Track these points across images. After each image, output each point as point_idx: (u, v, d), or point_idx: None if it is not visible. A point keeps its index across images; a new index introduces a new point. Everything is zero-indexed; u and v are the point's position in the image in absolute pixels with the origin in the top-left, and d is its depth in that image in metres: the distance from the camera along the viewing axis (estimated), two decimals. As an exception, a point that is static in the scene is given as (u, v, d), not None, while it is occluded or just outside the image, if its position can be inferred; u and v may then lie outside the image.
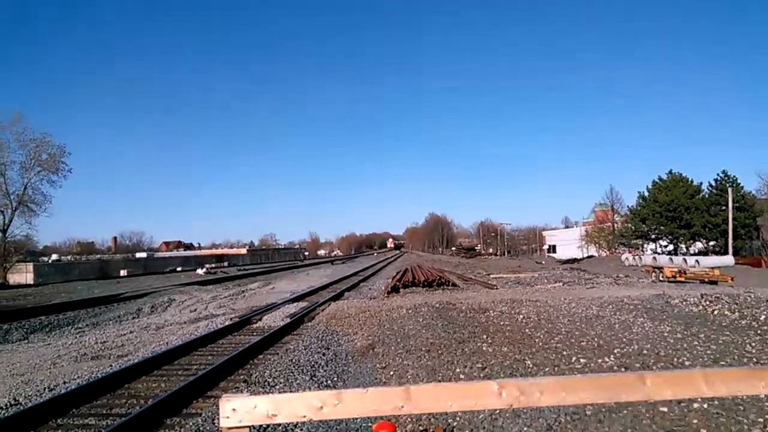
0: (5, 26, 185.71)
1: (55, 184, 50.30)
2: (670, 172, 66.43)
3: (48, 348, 12.86)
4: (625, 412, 5.58)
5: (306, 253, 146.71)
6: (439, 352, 9.60)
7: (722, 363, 7.85)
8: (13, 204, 47.45)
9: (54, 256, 79.78)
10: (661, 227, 64.91)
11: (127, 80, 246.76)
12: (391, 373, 8.80)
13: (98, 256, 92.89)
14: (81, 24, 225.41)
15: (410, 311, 14.98)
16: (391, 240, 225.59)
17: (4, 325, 16.66)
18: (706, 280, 26.34)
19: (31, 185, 48.80)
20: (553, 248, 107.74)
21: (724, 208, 57.68)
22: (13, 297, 29.13)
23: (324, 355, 10.59)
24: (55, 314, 19.22)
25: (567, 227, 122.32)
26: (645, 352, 8.71)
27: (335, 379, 8.87)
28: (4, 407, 7.57)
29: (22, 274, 46.55)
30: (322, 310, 17.30)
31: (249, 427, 2.24)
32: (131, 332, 14.84)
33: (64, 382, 8.95)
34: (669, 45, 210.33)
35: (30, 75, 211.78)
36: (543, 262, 65.32)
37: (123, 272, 54.02)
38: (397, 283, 25.85)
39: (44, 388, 8.57)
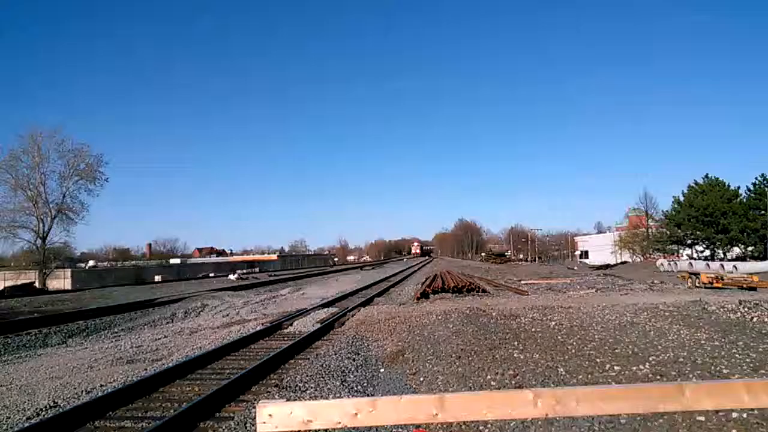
0: (46, 40, 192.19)
1: (93, 192, 51.81)
2: (707, 176, 64.91)
3: (85, 352, 13.18)
4: (661, 420, 5.46)
5: (335, 259, 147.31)
6: (470, 358, 9.53)
7: (762, 372, 7.63)
8: (52, 212, 48.96)
9: (91, 263, 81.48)
10: (698, 232, 63.35)
11: (162, 88, 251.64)
12: (422, 379, 8.77)
13: (133, 262, 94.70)
14: (116, 34, 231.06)
15: (440, 317, 14.91)
16: (416, 245, 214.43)
17: (44, 329, 17.12)
18: (745, 286, 25.52)
19: (70, 194, 50.36)
20: (585, 254, 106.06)
21: (762, 212, 56.08)
22: (52, 302, 29.92)
23: (354, 360, 10.61)
24: (92, 319, 19.66)
25: (600, 232, 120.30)
26: (681, 359, 8.52)
27: (365, 384, 8.88)
28: (44, 409, 7.78)
29: (61, 280, 47.87)
30: (352, 316, 17.36)
31: (284, 432, 2.26)
32: (165, 336, 15.12)
33: (101, 385, 9.17)
34: (704, 44, 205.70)
35: (65, 83, 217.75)
36: (575, 268, 64.38)
37: (157, 278, 55.08)
38: (427, 289, 25.78)
39: (82, 391, 8.79)
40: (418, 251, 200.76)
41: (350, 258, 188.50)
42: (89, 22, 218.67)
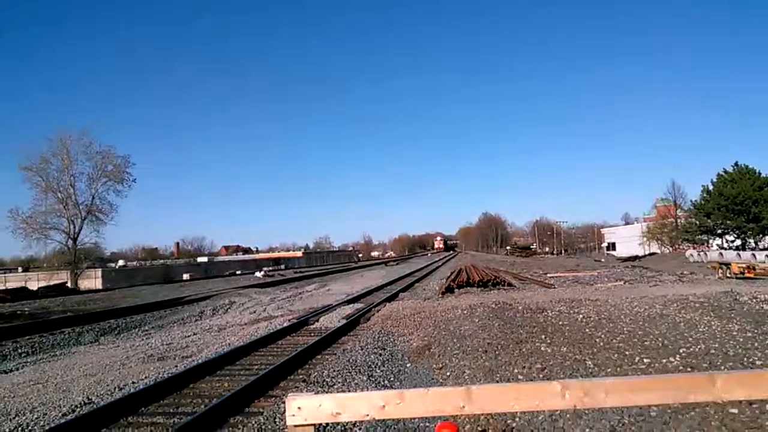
0: (69, 42, 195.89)
1: (121, 193, 52.91)
2: (736, 164, 63.28)
3: (117, 350, 13.46)
4: (693, 413, 5.38)
5: (360, 255, 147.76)
6: (497, 352, 9.50)
7: (798, 363, 7.46)
8: (82, 213, 50.06)
9: (120, 262, 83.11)
10: (728, 222, 61.92)
11: (185, 89, 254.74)
12: (448, 373, 8.76)
13: (162, 261, 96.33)
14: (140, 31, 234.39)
15: (465, 311, 14.87)
16: (439, 239, 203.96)
17: (77, 327, 17.51)
18: (778, 276, 24.93)
19: (98, 195, 51.45)
20: (612, 246, 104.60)
21: (795, 199, 54.56)
22: (84, 302, 30.57)
23: (380, 355, 10.65)
24: (123, 317, 20.05)
25: (627, 224, 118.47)
26: (712, 351, 8.37)
27: (392, 378, 8.91)
28: (79, 405, 7.97)
29: (92, 280, 48.94)
30: (378, 311, 17.41)
31: (314, 425, 2.29)
32: (195, 334, 15.36)
33: (133, 382, 9.36)
34: (729, 31, 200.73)
35: (95, 86, 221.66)
36: (602, 260, 63.48)
37: (185, 276, 55.94)
38: (452, 284, 25.70)
39: (115, 388, 8.98)
40: (441, 246, 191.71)
41: (374, 254, 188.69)
42: (89, 22, 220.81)
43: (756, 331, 9.86)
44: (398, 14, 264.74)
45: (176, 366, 10.62)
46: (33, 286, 44.17)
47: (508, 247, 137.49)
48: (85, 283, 47.94)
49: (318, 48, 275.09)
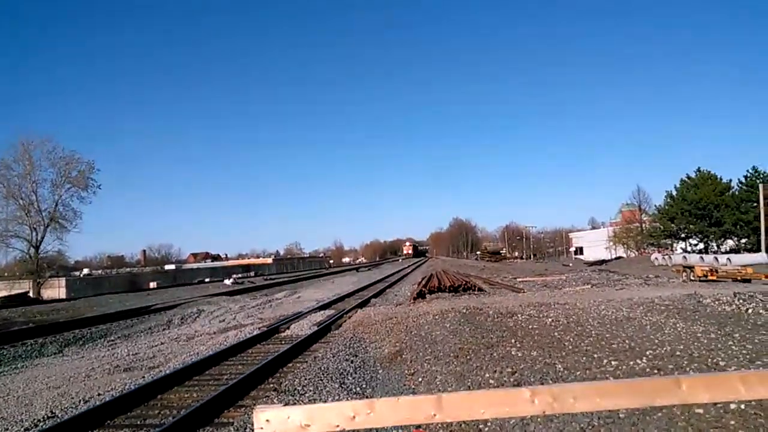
0: (35, 41, 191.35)
1: (85, 200, 51.47)
2: (698, 170, 65.19)
3: (82, 361, 13.12)
4: (660, 414, 5.48)
5: (331, 261, 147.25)
6: (468, 357, 9.55)
7: (758, 363, 7.67)
8: (45, 220, 48.64)
9: (85, 271, 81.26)
10: (691, 226, 63.69)
11: (150, 91, 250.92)
12: (420, 379, 8.76)
13: (128, 269, 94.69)
14: (101, 35, 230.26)
15: (437, 317, 14.92)
16: (408, 245, 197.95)
17: (39, 339, 17.00)
18: (739, 278, 25.66)
19: (62, 202, 50.01)
20: (580, 250, 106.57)
21: (755, 204, 56.32)
22: (47, 311, 29.74)
23: (352, 362, 10.60)
24: (88, 327, 19.56)
25: (594, 228, 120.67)
26: (678, 353, 8.55)
27: (364, 386, 8.87)
28: (42, 419, 7.74)
29: (55, 289, 47.61)
30: (349, 318, 17.35)
31: (283, 437, 2.25)
32: (162, 343, 15.07)
33: (99, 394, 9.12)
34: (693, 39, 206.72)
35: (54, 88, 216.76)
36: (570, 265, 64.59)
37: (152, 284, 54.85)
38: (423, 289, 25.79)
39: (80, 401, 8.74)
40: (410, 251, 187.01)
41: (346, 259, 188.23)
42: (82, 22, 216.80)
43: (719, 332, 10.12)
44: (359, 15, 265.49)
45: (143, 377, 10.39)
46: (-7, 296, 42.78)
47: (478, 252, 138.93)
48: (48, 293, 46.61)
49: (299, 51, 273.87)
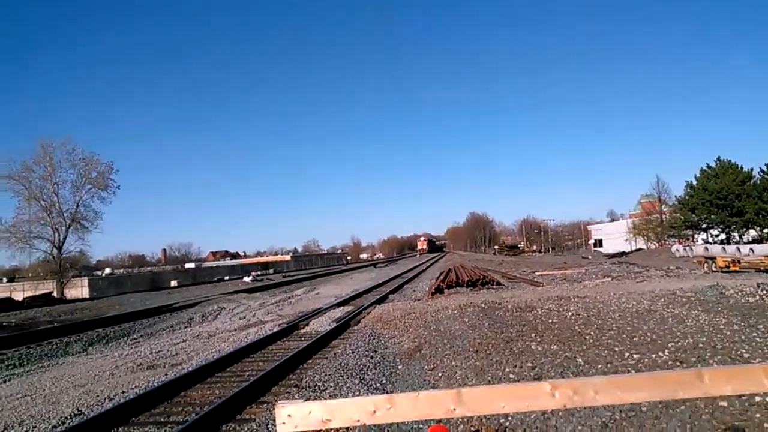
0: (55, 45, 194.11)
1: (105, 200, 52.55)
2: (719, 159, 64.01)
3: (106, 359, 13.33)
4: (683, 407, 5.43)
5: (348, 258, 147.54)
6: (487, 352, 9.53)
7: (784, 355, 7.56)
8: (66, 221, 49.53)
9: (107, 270, 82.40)
10: (712, 216, 62.60)
11: (169, 93, 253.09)
12: (440, 374, 8.76)
13: (149, 268, 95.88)
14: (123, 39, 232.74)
15: (456, 312, 14.90)
16: (422, 239, 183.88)
17: (64, 338, 17.33)
18: (762, 268, 25.21)
19: (83, 203, 51.00)
20: (599, 242, 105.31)
21: (778, 193, 55.26)
22: (71, 311, 30.26)
23: (372, 358, 10.63)
24: (111, 326, 19.87)
25: (613, 220, 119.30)
26: (701, 345, 8.46)
27: (384, 381, 8.90)
28: (69, 417, 7.88)
29: (78, 289, 48.39)
30: (368, 314, 17.39)
31: (304, 432, 2.28)
32: (184, 341, 15.25)
33: (123, 392, 9.27)
34: (713, 29, 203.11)
35: (76, 91, 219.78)
36: (590, 257, 64.04)
37: (173, 283, 55.53)
38: (441, 284, 25.75)
39: (104, 398, 8.89)
40: (425, 247, 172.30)
41: (363, 256, 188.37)
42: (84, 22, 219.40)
43: (742, 324, 9.98)
44: (373, 15, 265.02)
45: (166, 374, 10.53)
46: (18, 296, 43.60)
47: (496, 247, 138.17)
48: (71, 292, 47.39)
49: (312, 49, 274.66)
